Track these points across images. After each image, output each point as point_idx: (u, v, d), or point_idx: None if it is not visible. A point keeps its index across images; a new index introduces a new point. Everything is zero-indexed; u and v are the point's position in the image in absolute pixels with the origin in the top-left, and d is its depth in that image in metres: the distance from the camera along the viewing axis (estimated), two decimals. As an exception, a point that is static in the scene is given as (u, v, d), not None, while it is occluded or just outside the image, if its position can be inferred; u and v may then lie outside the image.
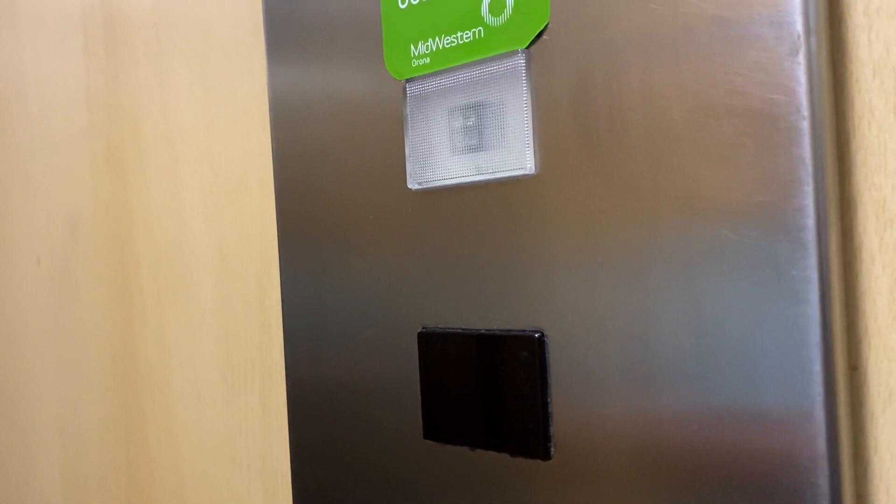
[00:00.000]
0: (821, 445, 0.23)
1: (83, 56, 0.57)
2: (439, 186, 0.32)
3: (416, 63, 0.32)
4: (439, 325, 0.33)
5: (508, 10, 0.29)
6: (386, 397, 0.35)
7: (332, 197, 0.37)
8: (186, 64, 0.49)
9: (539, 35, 0.29)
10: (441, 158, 0.32)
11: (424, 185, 0.33)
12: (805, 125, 0.23)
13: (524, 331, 0.30)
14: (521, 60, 0.29)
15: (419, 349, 0.33)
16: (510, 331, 0.30)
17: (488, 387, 0.30)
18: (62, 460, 0.61)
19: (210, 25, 0.47)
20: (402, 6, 0.33)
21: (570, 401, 0.29)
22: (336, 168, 0.36)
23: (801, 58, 0.23)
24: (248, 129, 0.45)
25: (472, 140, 0.31)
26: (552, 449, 0.29)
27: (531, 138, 0.29)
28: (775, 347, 0.24)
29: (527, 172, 0.29)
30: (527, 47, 0.29)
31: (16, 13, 0.64)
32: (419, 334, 0.33)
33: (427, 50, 0.32)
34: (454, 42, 0.31)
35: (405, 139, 0.33)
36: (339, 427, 0.37)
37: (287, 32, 0.38)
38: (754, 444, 0.25)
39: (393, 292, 0.34)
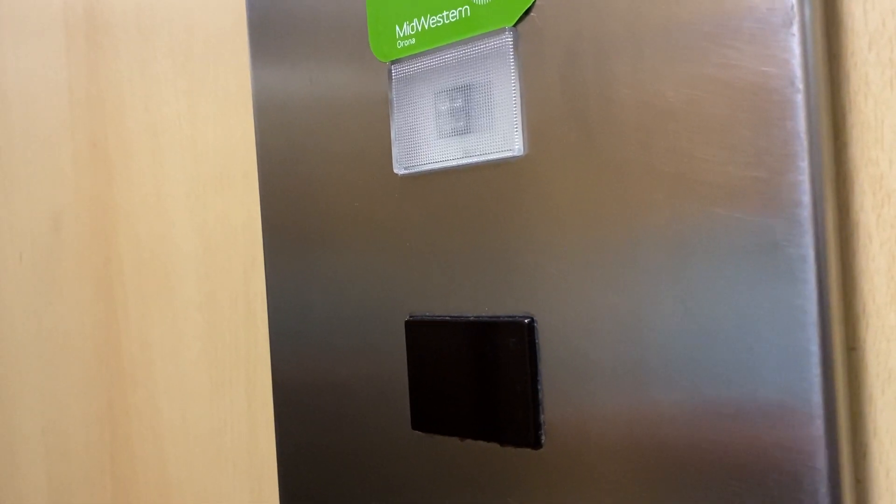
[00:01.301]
0: (819, 428, 0.23)
1: (64, 48, 0.56)
2: (426, 171, 0.31)
3: (402, 44, 0.32)
4: (427, 313, 0.32)
5: (495, -12, 0.29)
6: (373, 388, 0.34)
7: (317, 186, 0.36)
8: (169, 55, 0.48)
9: (527, 13, 0.28)
10: (428, 142, 0.31)
11: (411, 170, 0.32)
12: (799, 98, 0.23)
13: (514, 317, 0.29)
14: (508, 39, 0.28)
15: (407, 338, 0.32)
16: (499, 317, 0.29)
17: (477, 375, 0.30)
18: (46, 459, 0.60)
19: (193, 15, 0.46)
20: (387, -14, 0.32)
21: (561, 388, 0.28)
22: (321, 156, 0.36)
23: (795, 29, 0.23)
24: (231, 120, 0.44)
25: (459, 122, 0.30)
26: (543, 437, 0.28)
27: (519, 119, 0.29)
28: (771, 328, 0.23)
29: (515, 154, 0.29)
30: (514, 25, 0.28)
31: (-4, 6, 0.63)
32: (406, 323, 0.32)
33: (412, 30, 0.31)
34: (440, 22, 0.30)
35: (391, 123, 0.32)
36: (327, 420, 0.36)
37: (270, 20, 0.38)
38: (751, 429, 0.24)
39: (380, 280, 0.33)
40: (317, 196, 0.36)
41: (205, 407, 0.46)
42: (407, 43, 0.31)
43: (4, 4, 0.61)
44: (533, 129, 0.28)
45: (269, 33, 0.38)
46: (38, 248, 0.60)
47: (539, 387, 0.28)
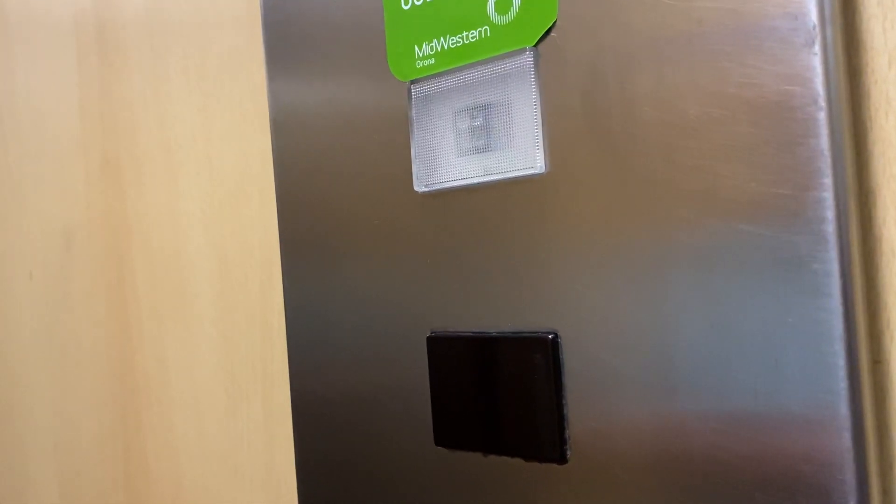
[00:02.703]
0: (846, 441, 0.23)
1: (76, 65, 0.56)
2: (447, 188, 0.32)
3: (421, 64, 0.32)
4: (449, 329, 0.32)
5: (515, 8, 0.29)
6: (394, 403, 0.34)
7: (335, 203, 0.36)
8: (183, 72, 0.48)
9: (547, 33, 0.28)
10: (448, 160, 0.32)
11: (431, 188, 0.32)
12: (822, 116, 0.23)
13: (537, 332, 0.29)
14: (529, 59, 0.29)
15: (429, 354, 0.32)
16: (522, 333, 0.30)
17: (501, 390, 0.30)
18: (59, 476, 0.60)
19: (206, 31, 0.46)
20: (406, 7, 0.32)
21: (585, 403, 0.28)
22: (339, 173, 0.36)
23: (818, 48, 0.23)
24: (247, 136, 0.44)
25: (479, 140, 0.31)
26: (568, 452, 0.29)
27: (541, 137, 0.29)
28: (797, 342, 0.24)
29: (537, 172, 0.29)
30: (535, 45, 0.29)
31: (6, 21, 0.63)
32: (428, 339, 0.32)
33: (432, 50, 0.32)
34: (459, 42, 0.31)
35: (411, 141, 0.33)
36: (346, 436, 0.36)
37: (286, 36, 0.38)
38: (777, 442, 0.24)
39: (400, 297, 0.34)
40: (336, 213, 0.36)
41: (221, 422, 0.46)
42: (426, 63, 0.32)
43: (16, 22, 0.62)
44: (554, 146, 0.29)
45: (285, 49, 0.38)
46: (50, 266, 0.60)
47: (564, 402, 0.28)
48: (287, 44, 0.38)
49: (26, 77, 0.61)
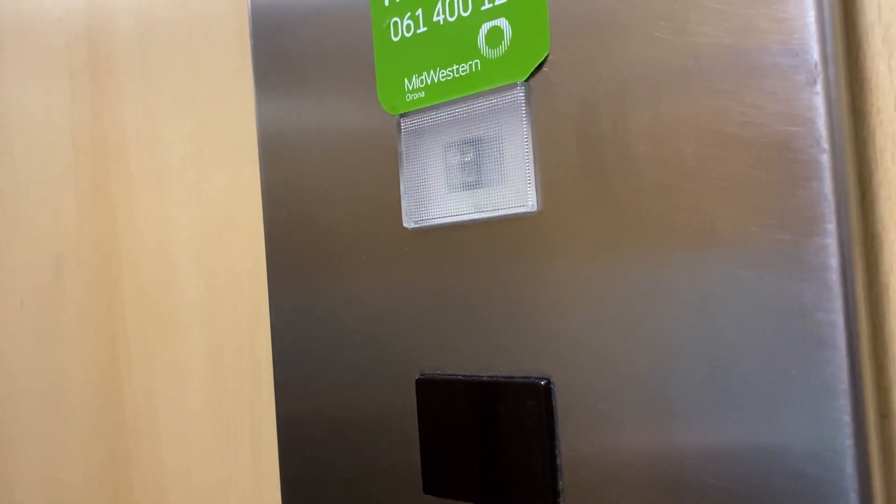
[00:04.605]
0: (852, 500, 0.22)
1: (68, 89, 0.56)
2: (436, 225, 0.31)
3: (411, 97, 0.31)
4: (438, 371, 0.31)
5: (506, 42, 0.28)
6: (383, 448, 0.33)
7: (323, 236, 0.35)
8: (174, 100, 0.47)
9: (539, 67, 0.27)
10: (438, 196, 0.31)
11: (421, 224, 0.31)
12: (825, 158, 0.22)
13: (529, 377, 0.28)
14: (520, 93, 0.28)
15: (417, 397, 0.31)
16: (514, 377, 0.28)
17: (492, 438, 0.29)
18: (46, 510, 0.59)
19: (198, 59, 0.45)
20: (395, 39, 0.31)
21: (579, 452, 0.27)
22: (328, 206, 0.35)
23: (819, 87, 0.22)
24: (237, 166, 0.43)
25: (470, 176, 0.30)
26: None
27: (532, 174, 0.28)
28: (801, 396, 0.22)
29: (528, 210, 0.28)
30: (526, 80, 0.28)
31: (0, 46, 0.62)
32: (417, 381, 0.31)
33: (421, 84, 0.31)
34: (450, 75, 0.30)
35: (400, 176, 0.32)
36: (334, 479, 0.35)
37: (276, 66, 0.37)
38: (780, 499, 0.23)
39: (389, 335, 0.33)
40: (324, 247, 0.35)
41: (209, 459, 0.45)
42: (416, 96, 0.31)
43: (8, 47, 0.61)
44: (547, 184, 0.28)
45: (275, 79, 0.37)
46: (40, 294, 0.59)
47: (557, 451, 0.27)
48: (277, 72, 0.37)
49: (19, 102, 0.61)
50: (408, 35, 0.31)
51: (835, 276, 0.22)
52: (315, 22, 0.35)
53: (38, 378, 0.59)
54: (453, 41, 0.29)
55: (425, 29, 0.30)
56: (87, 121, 0.54)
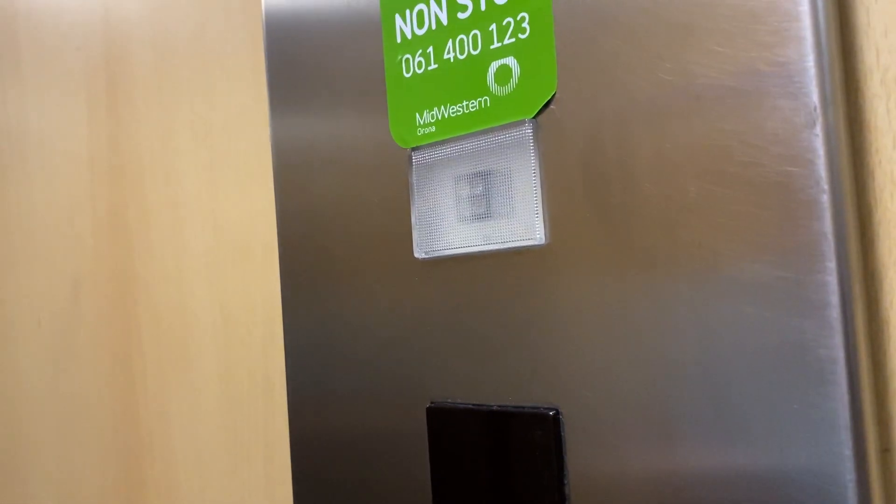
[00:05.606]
0: (855, 534, 0.22)
1: (86, 116, 0.57)
2: (446, 255, 0.31)
3: (422, 132, 0.32)
4: (449, 399, 0.31)
5: (515, 80, 0.29)
6: (394, 474, 0.33)
7: (337, 264, 0.36)
8: (191, 128, 0.48)
9: (547, 104, 0.28)
10: (448, 227, 0.31)
11: (431, 255, 0.32)
12: (825, 198, 0.23)
13: (538, 408, 0.29)
14: (528, 130, 0.29)
15: (428, 425, 0.32)
16: (523, 408, 0.29)
17: (501, 467, 0.29)
18: (61, 530, 0.60)
19: (213, 89, 0.47)
20: (407, 75, 0.32)
21: (588, 482, 0.27)
22: (341, 235, 0.36)
23: (819, 129, 0.23)
24: (252, 194, 0.44)
25: (479, 209, 0.30)
26: (569, 532, 0.28)
27: (540, 208, 0.29)
28: (803, 431, 0.23)
29: (537, 243, 0.29)
30: (534, 117, 0.29)
31: (20, 72, 0.64)
32: (428, 409, 0.32)
33: (432, 119, 0.31)
34: (460, 111, 0.31)
35: (411, 207, 0.33)
36: (346, 503, 0.35)
37: (291, 96, 0.38)
38: (784, 532, 0.23)
39: (400, 364, 0.33)
40: (337, 274, 0.36)
41: (223, 481, 0.46)
42: (427, 131, 0.32)
43: (28, 76, 0.63)
44: (555, 218, 0.28)
45: (290, 109, 0.38)
46: (57, 316, 0.60)
47: (566, 481, 0.28)
48: (291, 101, 0.38)
49: (38, 127, 0.62)
50: (419, 71, 0.32)
51: (835, 313, 0.22)
52: (330, 54, 0.36)
53: (54, 398, 0.60)
54: (463, 78, 0.30)
55: (436, 66, 0.31)
56: (104, 147, 0.55)
